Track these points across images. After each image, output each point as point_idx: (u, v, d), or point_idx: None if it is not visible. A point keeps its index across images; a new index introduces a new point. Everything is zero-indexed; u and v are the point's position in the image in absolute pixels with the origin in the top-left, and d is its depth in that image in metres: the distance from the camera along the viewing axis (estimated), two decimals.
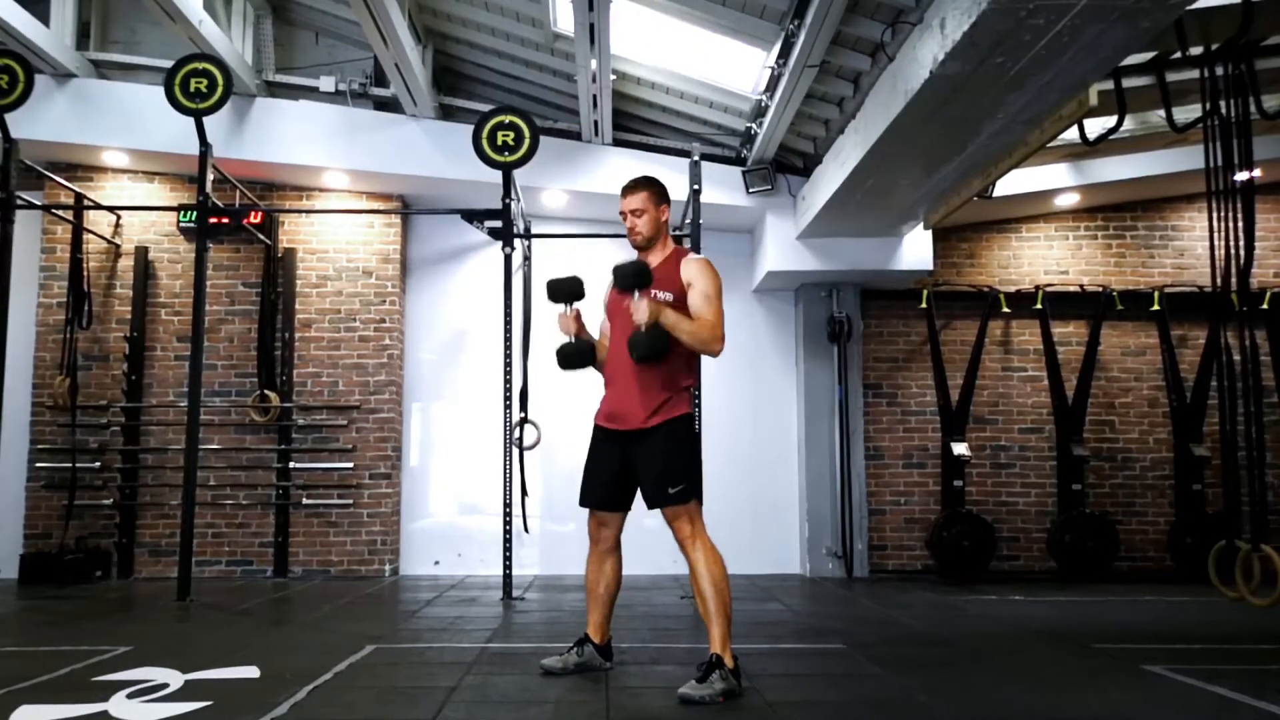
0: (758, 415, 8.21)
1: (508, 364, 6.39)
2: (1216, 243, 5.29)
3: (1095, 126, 5.85)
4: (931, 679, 3.81)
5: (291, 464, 7.61)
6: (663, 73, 7.14)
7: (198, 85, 6.16)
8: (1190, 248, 8.36)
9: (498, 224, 6.54)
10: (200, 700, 3.26)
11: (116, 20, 7.86)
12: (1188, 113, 5.59)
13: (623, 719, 3.13)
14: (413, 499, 8.02)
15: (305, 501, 7.59)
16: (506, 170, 6.43)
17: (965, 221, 8.15)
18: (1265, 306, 7.61)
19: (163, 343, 7.71)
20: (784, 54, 5.94)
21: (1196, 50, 5.17)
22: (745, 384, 8.16)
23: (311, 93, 7.72)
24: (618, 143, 7.83)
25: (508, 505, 6.32)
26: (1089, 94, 4.96)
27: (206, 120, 6.26)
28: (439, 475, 8.14)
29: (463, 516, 8.07)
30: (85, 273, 7.41)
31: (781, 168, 7.77)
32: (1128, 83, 5.48)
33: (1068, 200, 8.19)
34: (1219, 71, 5.23)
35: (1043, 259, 8.42)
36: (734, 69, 6.83)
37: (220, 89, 6.20)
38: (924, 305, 8.02)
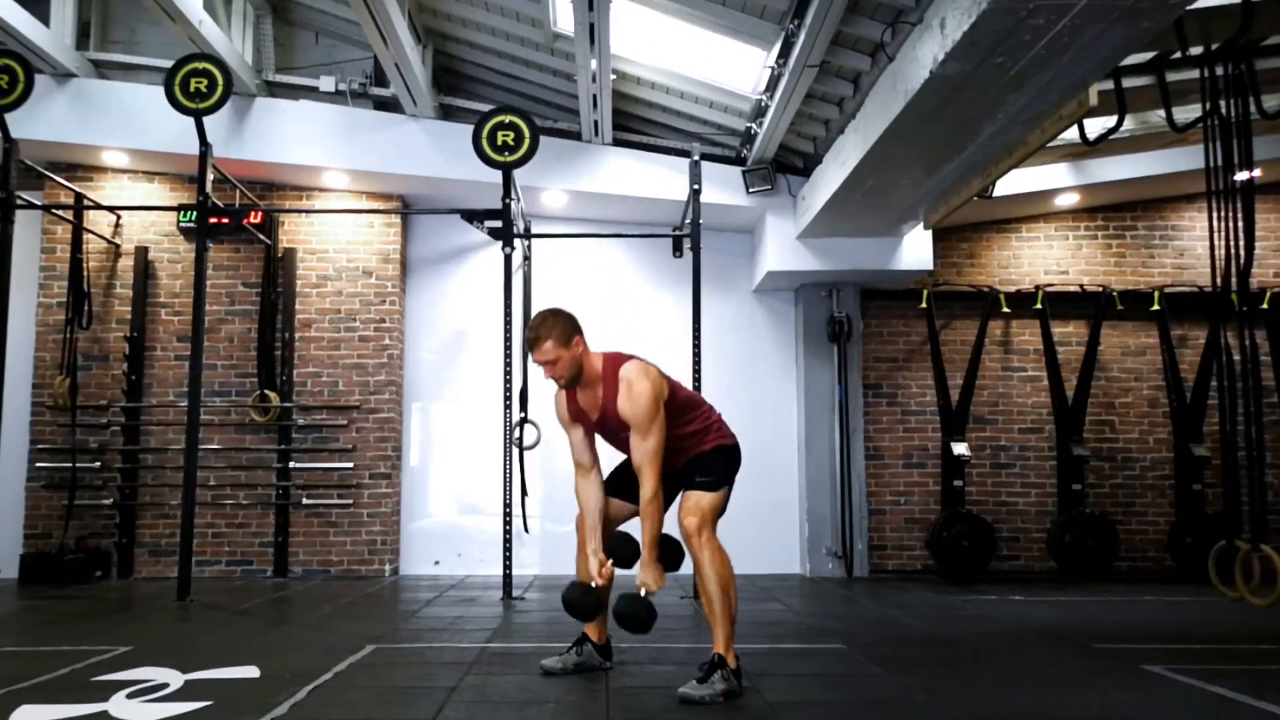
0: (758, 415, 8.17)
1: (508, 364, 6.39)
2: (1216, 243, 5.29)
3: (1095, 126, 5.85)
4: (931, 679, 3.81)
5: (291, 464, 7.62)
6: (663, 73, 7.14)
7: (198, 85, 6.17)
8: (1190, 248, 8.36)
9: (498, 224, 6.53)
10: (200, 700, 3.27)
11: (116, 20, 7.86)
12: (1188, 113, 5.59)
13: (623, 719, 3.13)
14: (413, 499, 8.02)
15: (305, 501, 7.60)
16: (506, 170, 6.43)
17: (965, 221, 8.15)
18: (1265, 306, 7.62)
19: (163, 343, 7.71)
20: (784, 54, 5.94)
21: (1196, 50, 5.17)
22: (745, 384, 8.14)
23: (311, 93, 7.72)
24: (618, 143, 7.83)
25: (508, 505, 6.33)
26: (1089, 94, 4.95)
27: (206, 120, 6.26)
28: (439, 475, 8.15)
29: (463, 516, 8.08)
30: (85, 273, 7.42)
31: (781, 168, 7.77)
32: (1128, 83, 5.48)
33: (1068, 200, 8.19)
34: (1219, 71, 5.23)
35: (1043, 259, 8.42)
36: (734, 69, 6.83)
37: (220, 89, 6.20)
38: (924, 305, 8.03)
